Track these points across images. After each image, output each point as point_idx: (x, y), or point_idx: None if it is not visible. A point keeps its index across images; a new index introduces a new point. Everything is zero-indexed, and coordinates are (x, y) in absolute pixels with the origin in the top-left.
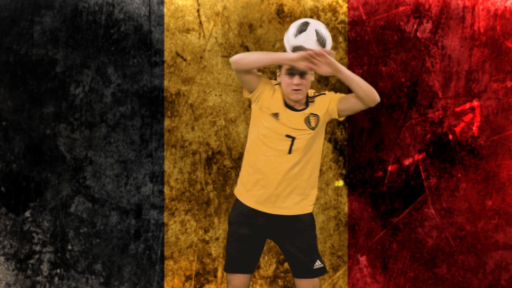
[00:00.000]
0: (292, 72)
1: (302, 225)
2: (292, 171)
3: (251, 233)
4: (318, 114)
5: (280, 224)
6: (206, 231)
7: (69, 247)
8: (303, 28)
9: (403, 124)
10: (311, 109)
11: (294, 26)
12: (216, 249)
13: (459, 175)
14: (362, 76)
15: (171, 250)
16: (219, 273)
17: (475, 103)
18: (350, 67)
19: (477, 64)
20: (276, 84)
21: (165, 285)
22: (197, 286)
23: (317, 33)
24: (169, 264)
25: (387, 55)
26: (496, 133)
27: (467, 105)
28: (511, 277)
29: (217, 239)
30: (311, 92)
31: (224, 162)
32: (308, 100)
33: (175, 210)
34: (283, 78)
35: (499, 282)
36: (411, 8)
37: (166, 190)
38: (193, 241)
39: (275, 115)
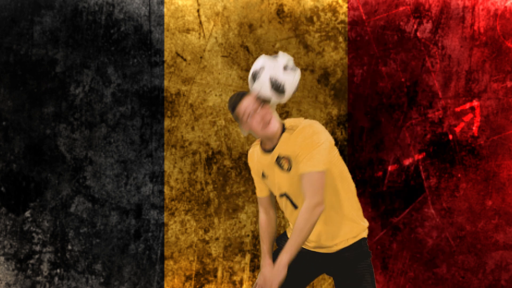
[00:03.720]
0: (240, 118)
1: (350, 255)
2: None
3: (298, 263)
4: (288, 155)
5: (325, 259)
6: (206, 231)
7: (69, 247)
8: (257, 75)
9: (403, 124)
10: (279, 148)
11: (252, 69)
12: (216, 249)
13: (459, 175)
14: (362, 76)
15: (171, 250)
16: (219, 273)
17: (475, 103)
18: (350, 67)
19: (477, 64)
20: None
21: (165, 285)
22: (197, 286)
23: (271, 80)
24: (169, 264)
25: (387, 55)
26: (496, 133)
27: (467, 105)
28: (511, 277)
29: (217, 239)
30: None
31: (224, 162)
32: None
33: (175, 210)
34: (243, 129)
35: (499, 282)
36: (411, 8)
37: (166, 190)
38: (193, 241)
39: (263, 175)
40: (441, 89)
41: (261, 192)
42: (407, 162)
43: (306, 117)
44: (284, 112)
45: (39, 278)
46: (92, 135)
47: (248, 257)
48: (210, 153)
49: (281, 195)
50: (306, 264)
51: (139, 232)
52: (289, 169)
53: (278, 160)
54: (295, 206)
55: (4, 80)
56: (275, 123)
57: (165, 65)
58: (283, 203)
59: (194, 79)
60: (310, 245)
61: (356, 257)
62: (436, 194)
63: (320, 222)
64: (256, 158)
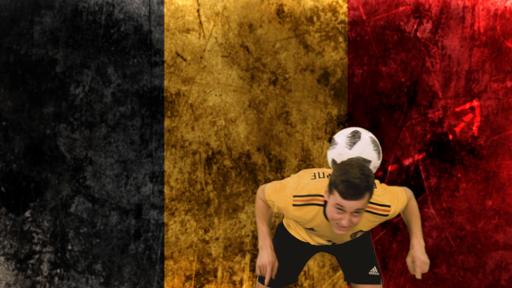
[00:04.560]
0: (342, 209)
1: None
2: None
3: (297, 250)
4: (365, 230)
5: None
6: (206, 231)
7: (69, 247)
8: (355, 139)
9: (403, 124)
10: (360, 224)
11: (342, 137)
12: (216, 249)
13: (459, 175)
14: (362, 76)
15: (171, 250)
16: (219, 273)
17: (475, 103)
18: (350, 67)
19: (477, 64)
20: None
21: (165, 285)
22: (197, 286)
23: (373, 141)
24: (169, 264)
25: (387, 55)
26: (496, 133)
27: (467, 105)
28: (511, 277)
29: (217, 239)
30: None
31: (224, 162)
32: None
33: (175, 210)
34: (330, 208)
35: (499, 282)
36: (411, 8)
37: (166, 190)
38: (193, 241)
39: (311, 229)
40: (441, 89)
41: (273, 209)
42: (407, 162)
43: (306, 118)
44: (284, 112)
45: (39, 278)
46: (92, 135)
47: (248, 257)
48: (210, 153)
49: (327, 240)
50: (309, 253)
51: (139, 232)
52: (357, 236)
53: (355, 234)
54: (333, 244)
55: (4, 80)
56: None
57: (165, 65)
58: (316, 239)
59: (194, 79)
60: (322, 242)
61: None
62: (436, 194)
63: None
64: (312, 217)
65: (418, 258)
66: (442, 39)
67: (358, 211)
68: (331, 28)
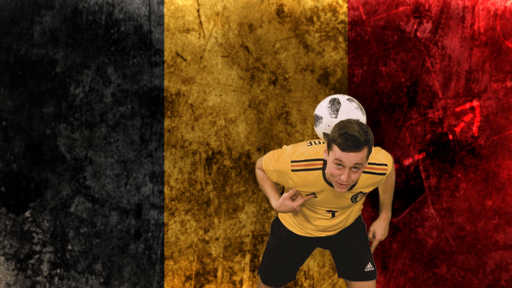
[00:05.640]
0: (341, 164)
1: (355, 228)
2: (336, 224)
3: (295, 247)
4: (366, 192)
5: (330, 238)
6: (206, 231)
7: (69, 247)
8: (336, 106)
9: (403, 124)
10: (360, 184)
11: (323, 109)
12: (216, 249)
13: (459, 175)
14: (362, 76)
15: (171, 250)
16: (219, 273)
17: (475, 103)
18: (350, 67)
19: (477, 64)
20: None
21: (165, 285)
22: (197, 286)
23: (352, 101)
24: (169, 264)
25: (387, 55)
26: (496, 133)
27: (467, 105)
28: (511, 277)
29: (217, 239)
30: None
31: (224, 162)
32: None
33: (175, 210)
34: (330, 165)
35: (499, 282)
36: (411, 8)
37: (166, 190)
38: (193, 241)
39: (312, 194)
40: (441, 89)
41: (272, 179)
42: (407, 162)
43: (306, 118)
44: (284, 112)
45: (39, 278)
46: (92, 135)
47: (248, 257)
48: (210, 153)
49: (327, 211)
50: (307, 249)
51: (139, 232)
52: (358, 200)
53: (355, 197)
54: (333, 216)
55: (4, 80)
56: None
57: (165, 65)
58: (318, 213)
59: (194, 79)
60: (315, 234)
61: (355, 228)
62: (436, 194)
63: (343, 220)
64: (312, 181)
65: (380, 229)
66: (442, 39)
67: (357, 167)
68: (331, 28)
